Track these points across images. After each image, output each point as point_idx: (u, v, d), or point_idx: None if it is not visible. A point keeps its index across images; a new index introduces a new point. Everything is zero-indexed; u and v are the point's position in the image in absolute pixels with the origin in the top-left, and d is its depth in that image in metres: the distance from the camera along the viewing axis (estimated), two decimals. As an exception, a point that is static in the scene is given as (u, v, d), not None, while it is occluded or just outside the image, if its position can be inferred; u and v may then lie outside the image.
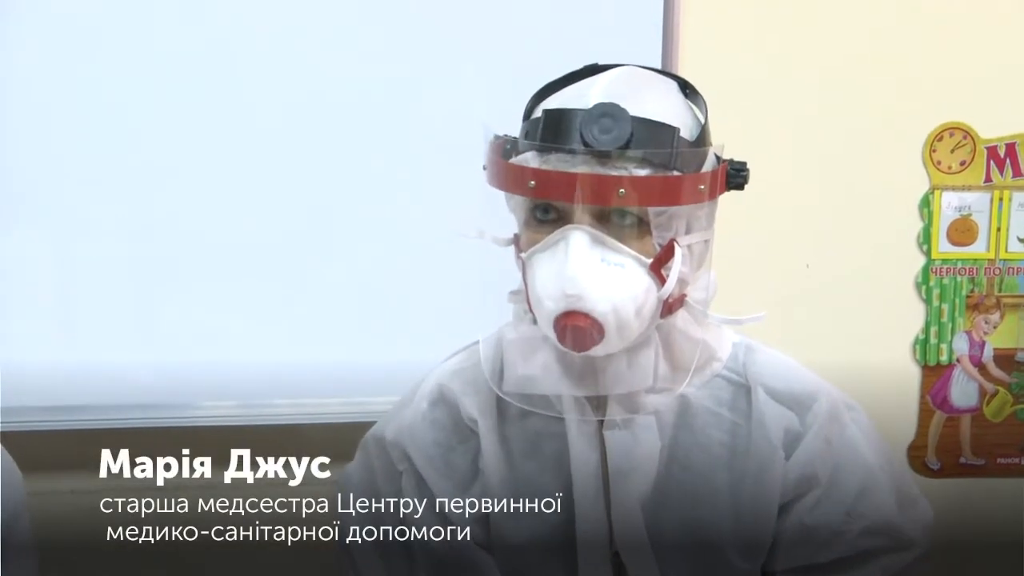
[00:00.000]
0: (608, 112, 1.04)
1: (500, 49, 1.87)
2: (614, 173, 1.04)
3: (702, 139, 1.11)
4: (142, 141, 1.83)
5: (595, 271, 1.05)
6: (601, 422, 1.16)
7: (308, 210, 1.88)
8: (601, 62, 1.18)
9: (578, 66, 1.17)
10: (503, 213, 1.17)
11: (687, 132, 1.09)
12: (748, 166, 1.13)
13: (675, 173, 1.06)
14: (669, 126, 1.07)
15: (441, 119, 1.85)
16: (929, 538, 1.25)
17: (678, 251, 1.08)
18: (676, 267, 1.07)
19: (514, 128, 1.15)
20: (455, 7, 1.87)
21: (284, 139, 1.86)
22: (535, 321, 1.16)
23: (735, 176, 1.12)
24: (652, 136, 1.06)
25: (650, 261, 1.07)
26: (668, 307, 1.11)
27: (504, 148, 1.13)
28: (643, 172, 1.05)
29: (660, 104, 1.10)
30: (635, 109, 1.05)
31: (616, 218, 1.07)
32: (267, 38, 1.84)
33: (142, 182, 1.83)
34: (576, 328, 1.05)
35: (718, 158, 1.12)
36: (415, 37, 1.87)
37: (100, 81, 1.80)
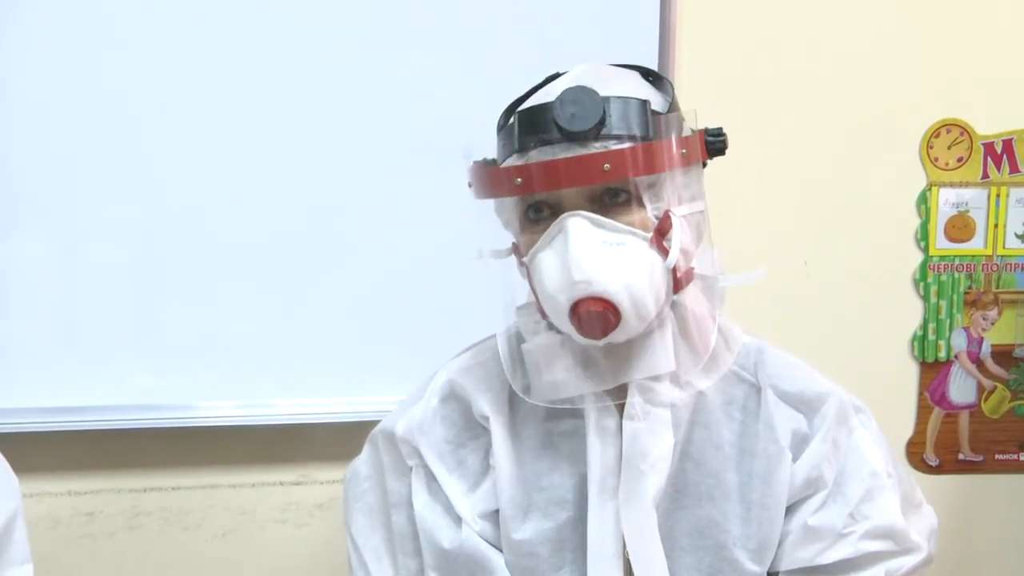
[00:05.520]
0: (578, 95, 1.05)
1: (499, 51, 1.86)
2: (595, 151, 1.05)
3: (672, 111, 1.12)
4: (143, 144, 1.82)
5: (599, 254, 1.05)
6: (621, 416, 1.15)
7: (309, 213, 1.87)
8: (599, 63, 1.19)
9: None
10: (498, 230, 1.17)
11: (657, 106, 1.10)
12: (724, 131, 1.13)
13: (654, 141, 1.07)
14: (639, 99, 1.08)
15: (441, 122, 1.84)
16: (934, 543, 1.25)
17: (675, 220, 1.08)
18: (676, 236, 1.08)
19: (491, 150, 1.16)
20: (453, 11, 1.87)
21: (285, 142, 1.85)
22: (550, 327, 1.16)
23: (714, 141, 1.13)
24: (624, 110, 1.07)
25: (650, 235, 1.07)
26: (678, 282, 1.11)
27: (485, 163, 1.14)
28: (623, 145, 1.05)
29: (626, 85, 1.12)
30: (604, 90, 1.06)
31: (608, 198, 1.08)
32: (269, 42, 1.83)
33: (143, 184, 1.82)
34: (592, 313, 1.05)
35: (692, 131, 1.13)
36: (414, 39, 1.87)
37: (102, 84, 1.80)
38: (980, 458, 2.19)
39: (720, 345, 1.20)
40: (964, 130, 2.08)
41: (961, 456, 2.18)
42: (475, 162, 1.15)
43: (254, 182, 1.85)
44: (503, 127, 1.14)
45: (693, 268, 1.15)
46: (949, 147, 2.08)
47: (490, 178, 1.12)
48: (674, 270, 1.09)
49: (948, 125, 2.08)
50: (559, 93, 1.06)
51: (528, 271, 1.12)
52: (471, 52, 1.88)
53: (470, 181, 1.16)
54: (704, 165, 1.16)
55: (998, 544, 2.22)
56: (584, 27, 1.88)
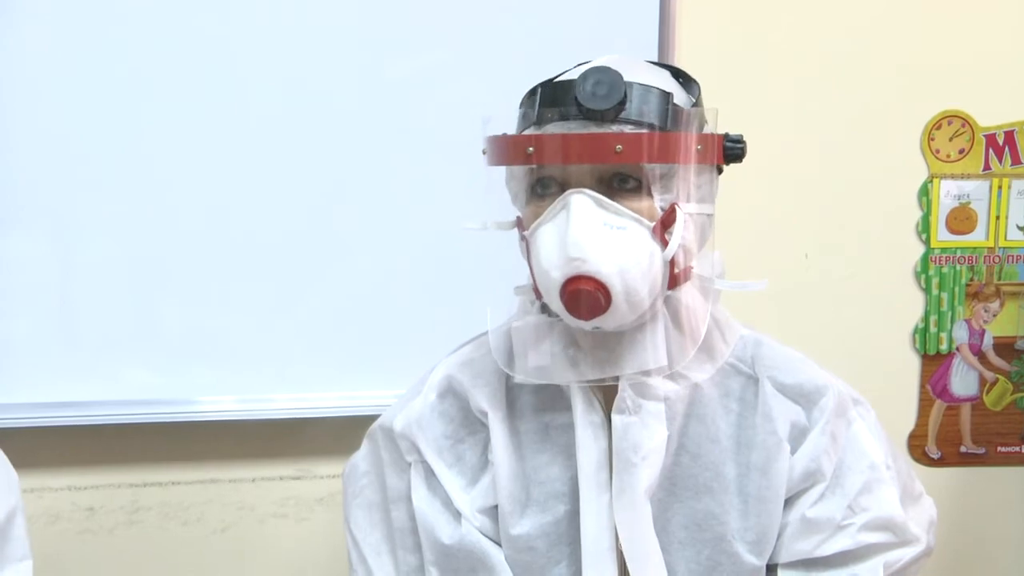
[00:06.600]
0: (601, 75, 1.05)
1: (499, 49, 1.86)
2: (610, 131, 1.05)
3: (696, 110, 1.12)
4: (142, 141, 1.81)
5: (598, 234, 1.04)
6: (610, 408, 1.15)
7: (308, 209, 1.87)
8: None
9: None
10: (505, 204, 1.17)
11: (680, 101, 1.10)
12: (744, 138, 1.13)
13: (671, 132, 1.06)
14: (661, 89, 1.08)
15: (440, 118, 1.84)
16: (933, 535, 1.25)
17: (680, 214, 1.08)
18: (679, 230, 1.07)
19: (512, 124, 1.15)
20: (452, 8, 1.86)
21: (283, 140, 1.85)
22: (543, 310, 1.15)
23: (732, 147, 1.12)
24: (645, 96, 1.07)
25: (653, 224, 1.07)
26: (674, 278, 1.10)
27: (503, 135, 1.13)
28: (640, 131, 1.05)
29: (652, 76, 1.11)
30: (628, 76, 1.06)
31: (617, 183, 1.07)
32: (267, 39, 1.83)
33: (141, 181, 1.82)
34: (583, 292, 1.04)
35: (712, 132, 1.12)
36: (414, 37, 1.86)
37: (100, 81, 1.79)
38: (982, 451, 2.18)
39: (716, 337, 1.19)
40: (965, 122, 2.07)
41: (963, 449, 2.18)
42: (495, 136, 1.15)
43: (252, 179, 1.85)
44: (524, 100, 1.14)
45: (692, 267, 1.14)
46: (950, 139, 2.07)
47: (503, 145, 1.11)
48: (672, 265, 1.09)
49: (949, 117, 2.07)
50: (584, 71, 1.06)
51: (527, 245, 1.11)
52: (470, 50, 1.87)
53: (484, 148, 1.15)
54: (720, 171, 1.16)
55: (1001, 537, 2.22)
56: (583, 24, 1.88)
